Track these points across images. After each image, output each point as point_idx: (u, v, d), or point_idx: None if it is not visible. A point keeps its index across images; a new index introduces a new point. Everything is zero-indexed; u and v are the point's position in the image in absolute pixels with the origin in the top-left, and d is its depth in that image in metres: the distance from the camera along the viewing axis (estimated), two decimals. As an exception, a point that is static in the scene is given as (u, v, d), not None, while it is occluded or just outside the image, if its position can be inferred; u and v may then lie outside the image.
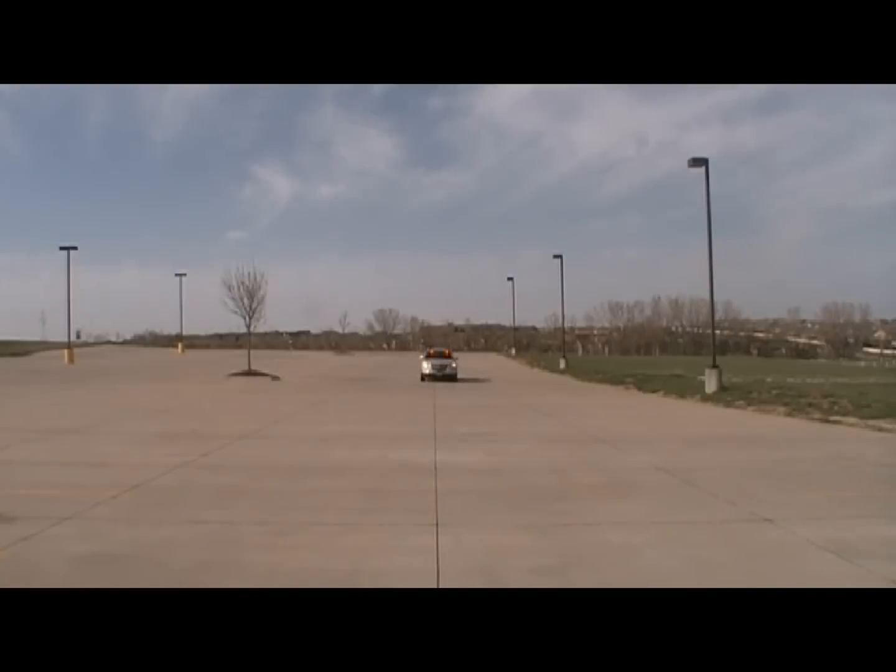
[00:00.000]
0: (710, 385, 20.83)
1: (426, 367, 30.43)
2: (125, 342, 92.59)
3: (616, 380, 27.87)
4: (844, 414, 14.72)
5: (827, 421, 14.22)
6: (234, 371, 30.92)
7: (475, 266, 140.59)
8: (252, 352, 33.18)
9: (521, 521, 6.30)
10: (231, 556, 5.15)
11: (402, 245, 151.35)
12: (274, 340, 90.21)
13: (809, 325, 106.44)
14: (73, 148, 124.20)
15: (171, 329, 79.32)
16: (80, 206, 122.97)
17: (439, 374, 29.70)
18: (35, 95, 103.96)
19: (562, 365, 40.26)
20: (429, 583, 4.54)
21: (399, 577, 4.57)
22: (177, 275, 57.92)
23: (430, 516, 6.37)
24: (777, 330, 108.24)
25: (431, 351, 34.76)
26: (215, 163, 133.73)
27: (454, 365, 30.89)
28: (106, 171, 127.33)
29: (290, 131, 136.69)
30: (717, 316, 42.12)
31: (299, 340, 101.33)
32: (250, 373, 30.67)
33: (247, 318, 32.74)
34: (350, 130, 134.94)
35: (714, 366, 21.26)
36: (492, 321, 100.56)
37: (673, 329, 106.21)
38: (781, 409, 16.32)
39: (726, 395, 19.50)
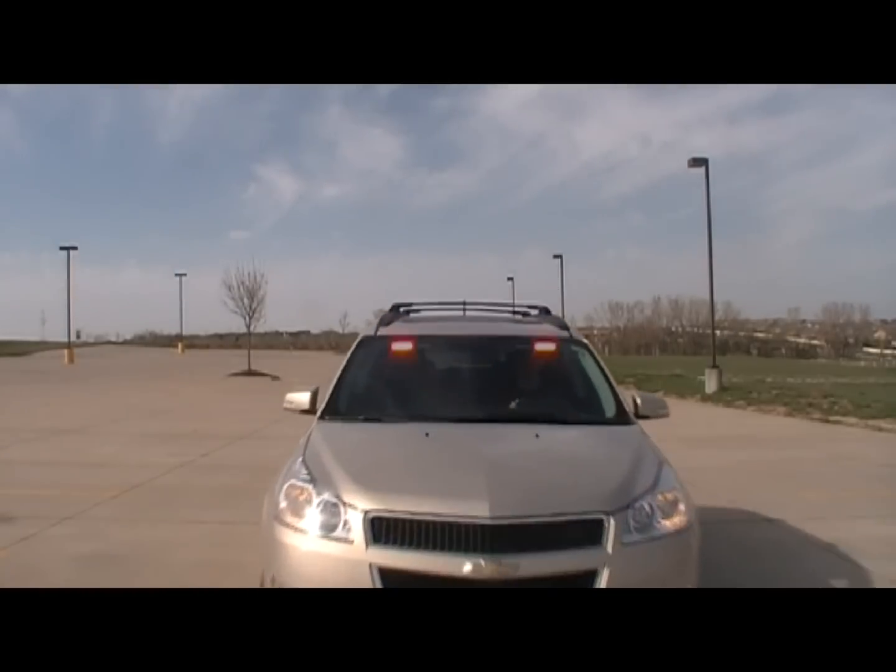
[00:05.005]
0: (710, 385, 20.84)
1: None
2: (125, 342, 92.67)
3: (616, 379, 27.77)
4: (844, 414, 14.73)
5: (827, 421, 14.23)
6: (234, 371, 30.89)
7: (476, 266, 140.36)
8: (252, 352, 33.12)
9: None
10: (231, 556, 5.15)
11: (403, 245, 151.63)
12: (274, 340, 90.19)
13: (809, 325, 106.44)
14: (77, 148, 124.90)
15: (171, 329, 79.42)
16: (83, 205, 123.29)
17: None
18: (40, 95, 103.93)
19: (562, 365, 40.18)
20: (429, 583, 4.52)
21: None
22: (177, 275, 58.03)
23: (431, 516, 6.36)
24: (777, 330, 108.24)
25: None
26: (220, 163, 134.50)
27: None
28: (110, 171, 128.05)
29: (295, 132, 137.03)
30: (717, 316, 42.07)
31: (299, 340, 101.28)
32: (250, 373, 30.64)
33: (247, 318, 32.79)
34: (355, 131, 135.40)
35: (714, 366, 21.27)
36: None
37: (673, 329, 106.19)
38: (781, 408, 16.32)
39: (726, 394, 19.50)
